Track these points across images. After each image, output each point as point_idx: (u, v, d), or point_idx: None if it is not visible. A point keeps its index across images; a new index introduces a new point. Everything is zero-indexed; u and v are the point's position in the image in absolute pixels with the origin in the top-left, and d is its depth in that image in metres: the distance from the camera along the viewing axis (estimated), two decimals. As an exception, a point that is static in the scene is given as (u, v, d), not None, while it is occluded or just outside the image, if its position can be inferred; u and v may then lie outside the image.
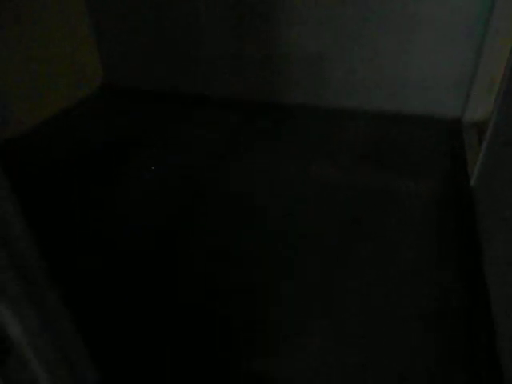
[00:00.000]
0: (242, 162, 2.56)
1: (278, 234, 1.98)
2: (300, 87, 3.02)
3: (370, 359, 1.42)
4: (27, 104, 2.87)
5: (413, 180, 2.32)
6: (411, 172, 2.40)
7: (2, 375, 0.57)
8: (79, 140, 2.93)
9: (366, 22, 2.64)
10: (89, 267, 1.83)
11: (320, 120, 2.99)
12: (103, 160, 2.67)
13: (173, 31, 3.10)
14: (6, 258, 0.59)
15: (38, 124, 2.99)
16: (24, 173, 2.49)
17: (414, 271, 1.75)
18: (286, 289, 1.69)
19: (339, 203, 2.17)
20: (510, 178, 1.47)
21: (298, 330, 1.52)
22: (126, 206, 2.25)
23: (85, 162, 2.66)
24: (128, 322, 1.58)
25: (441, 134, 2.77)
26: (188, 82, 3.28)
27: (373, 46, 2.71)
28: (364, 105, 2.95)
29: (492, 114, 1.89)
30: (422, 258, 1.81)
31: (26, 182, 2.35)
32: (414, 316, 1.56)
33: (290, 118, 3.03)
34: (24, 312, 0.63)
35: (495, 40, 2.42)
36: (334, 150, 2.64)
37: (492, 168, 1.80)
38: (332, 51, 2.82)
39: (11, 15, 2.68)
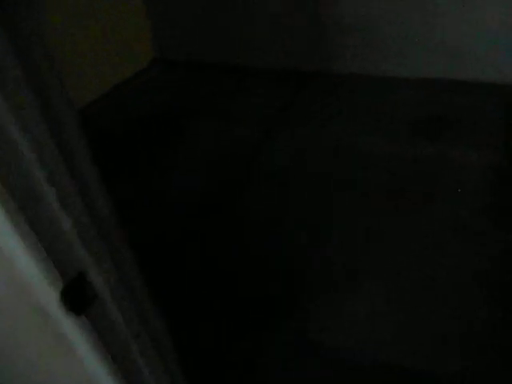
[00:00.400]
0: (293, 134, 2.55)
1: (324, 205, 1.99)
2: (351, 55, 2.92)
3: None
4: (84, 80, 2.98)
5: (468, 151, 2.22)
6: (467, 143, 2.30)
7: (89, 318, 0.64)
8: (135, 112, 3.02)
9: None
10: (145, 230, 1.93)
11: (371, 89, 2.89)
12: (159, 130, 2.75)
13: (223, 3, 3.08)
14: (90, 217, 0.65)
15: (95, 99, 3.10)
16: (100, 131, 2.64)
17: (471, 232, 1.71)
18: (331, 251, 1.72)
19: (389, 173, 2.13)
20: None
21: (350, 288, 1.55)
22: (180, 173, 2.34)
23: (141, 132, 2.76)
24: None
25: (498, 103, 2.61)
26: (240, 53, 3.25)
27: (426, 8, 2.56)
28: (418, 72, 2.82)
29: None
30: (479, 221, 1.76)
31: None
32: (469, 275, 1.54)
33: (341, 87, 2.96)
34: (106, 266, 0.69)
35: None
36: (387, 121, 2.56)
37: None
38: (384, 16, 2.70)
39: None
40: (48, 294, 0.60)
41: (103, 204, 0.69)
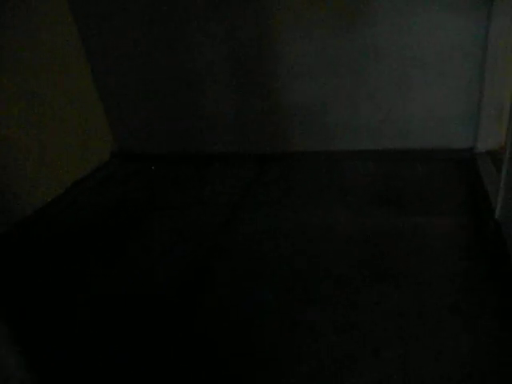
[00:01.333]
0: (256, 216, 2.49)
1: (297, 280, 1.87)
2: (305, 135, 3.01)
3: None
4: (41, 179, 2.89)
5: (432, 218, 2.22)
6: (429, 209, 2.30)
7: None
8: (94, 207, 2.91)
9: (363, 58, 2.66)
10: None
11: (328, 164, 2.95)
12: (118, 224, 2.65)
13: (174, 95, 3.16)
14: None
15: (53, 197, 2.98)
16: (46, 242, 2.52)
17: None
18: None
19: (356, 247, 2.07)
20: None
21: None
22: (139, 269, 2.18)
23: (100, 226, 2.64)
24: None
25: (454, 167, 2.70)
26: (195, 142, 3.30)
27: (373, 83, 2.71)
28: (370, 145, 2.92)
29: (507, 140, 1.81)
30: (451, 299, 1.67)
31: (49, 249, 2.44)
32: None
33: (297, 166, 3.00)
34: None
35: (496, 67, 2.40)
36: (345, 193, 2.57)
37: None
38: (333, 97, 2.83)
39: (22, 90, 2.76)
40: None
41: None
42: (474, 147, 2.70)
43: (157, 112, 3.28)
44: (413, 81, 2.64)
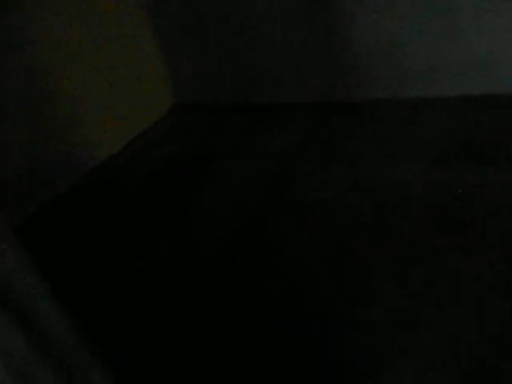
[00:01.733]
0: (320, 166, 2.36)
1: (361, 238, 1.76)
2: (377, 81, 2.74)
3: None
4: (105, 133, 2.95)
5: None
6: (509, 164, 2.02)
7: None
8: (156, 160, 2.94)
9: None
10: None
11: (401, 114, 2.69)
12: (184, 174, 2.65)
13: (237, 41, 3.00)
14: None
15: (118, 150, 3.05)
16: (115, 193, 2.61)
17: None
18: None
19: (428, 203, 1.88)
20: None
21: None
22: (205, 216, 2.19)
23: (167, 176, 2.66)
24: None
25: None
26: (255, 91, 3.16)
27: (460, 22, 2.36)
28: (448, 91, 2.59)
29: None
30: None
31: (117, 201, 2.52)
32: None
33: (367, 115, 2.77)
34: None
35: None
36: (418, 145, 2.33)
37: None
38: (413, 37, 2.52)
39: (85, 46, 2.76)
40: None
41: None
42: None
43: (216, 62, 3.16)
44: (503, 20, 2.26)
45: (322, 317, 1.50)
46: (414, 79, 2.64)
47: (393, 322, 1.40)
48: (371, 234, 1.80)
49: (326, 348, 1.37)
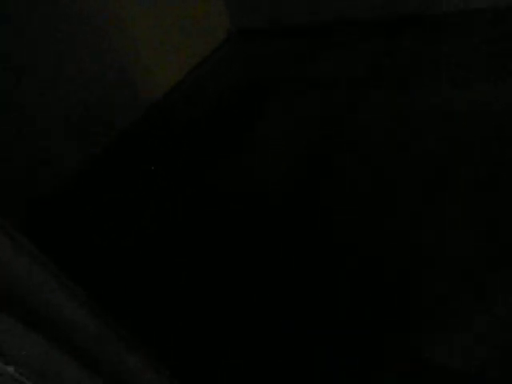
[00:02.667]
0: (386, 92, 2.11)
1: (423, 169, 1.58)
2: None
3: None
4: (165, 62, 2.87)
5: None
6: None
7: None
8: (216, 89, 2.84)
9: None
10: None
11: (487, 26, 2.26)
12: (245, 100, 2.55)
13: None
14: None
15: (179, 79, 2.99)
16: (179, 120, 2.60)
17: None
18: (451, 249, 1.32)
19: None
20: None
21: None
22: (267, 143, 2.12)
23: (228, 103, 2.59)
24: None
25: None
26: (319, 8, 2.83)
27: None
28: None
29: None
30: None
31: (185, 126, 2.52)
32: None
33: (445, 30, 2.37)
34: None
35: None
36: (501, 66, 1.96)
37: None
38: None
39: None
40: None
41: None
42: None
43: None
44: None
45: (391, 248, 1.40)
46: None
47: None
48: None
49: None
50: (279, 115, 2.30)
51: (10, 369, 0.42)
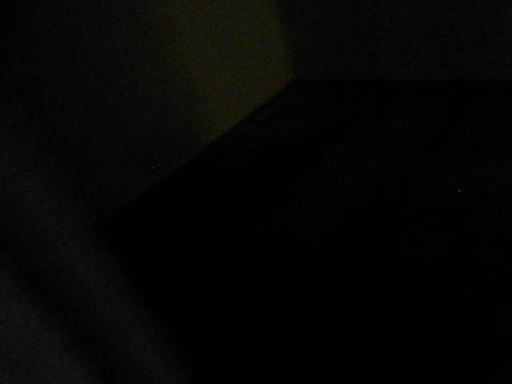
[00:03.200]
0: (451, 162, 2.07)
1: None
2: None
3: None
4: (225, 106, 3.01)
5: None
6: None
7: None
8: (275, 135, 2.91)
9: None
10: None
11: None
12: (300, 153, 2.58)
13: (363, 16, 2.79)
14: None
15: (237, 123, 3.11)
16: (233, 164, 2.66)
17: None
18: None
19: None
20: None
21: None
22: (319, 197, 2.10)
23: (282, 154, 2.63)
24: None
25: None
26: (378, 68, 2.92)
27: None
28: None
29: None
30: None
31: (238, 170, 2.55)
32: None
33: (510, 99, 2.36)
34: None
35: None
36: None
37: None
38: None
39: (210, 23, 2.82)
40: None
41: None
42: None
43: (336, 37, 2.99)
44: None
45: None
46: None
47: None
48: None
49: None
50: (334, 169, 2.30)
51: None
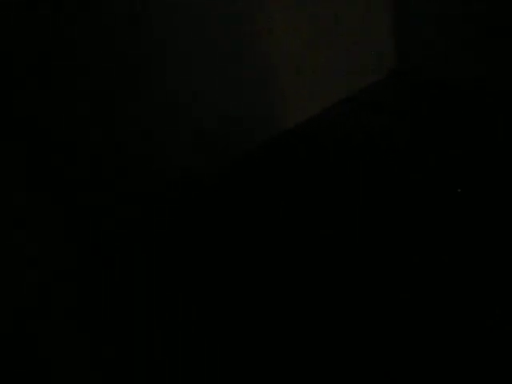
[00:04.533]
0: None
1: None
2: None
3: None
4: (309, 92, 2.77)
5: None
6: None
7: None
8: (359, 127, 2.64)
9: None
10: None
11: None
12: (384, 152, 2.29)
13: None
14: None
15: (319, 112, 2.87)
16: (307, 153, 2.42)
17: None
18: None
19: None
20: None
21: None
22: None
23: (365, 149, 2.37)
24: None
25: None
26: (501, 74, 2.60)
27: None
28: None
29: None
30: None
31: (311, 161, 2.32)
32: None
33: None
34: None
35: None
36: None
37: None
38: None
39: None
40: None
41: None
42: None
43: (456, 34, 2.71)
44: None
45: None
46: None
47: None
48: None
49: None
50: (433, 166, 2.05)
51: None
